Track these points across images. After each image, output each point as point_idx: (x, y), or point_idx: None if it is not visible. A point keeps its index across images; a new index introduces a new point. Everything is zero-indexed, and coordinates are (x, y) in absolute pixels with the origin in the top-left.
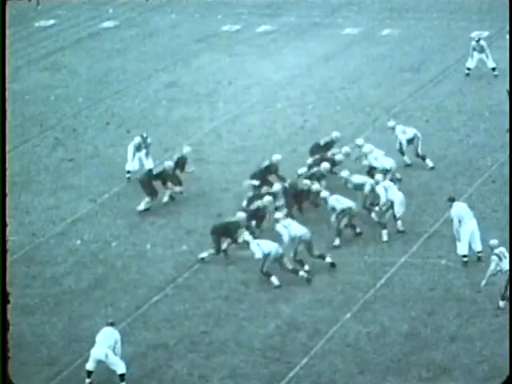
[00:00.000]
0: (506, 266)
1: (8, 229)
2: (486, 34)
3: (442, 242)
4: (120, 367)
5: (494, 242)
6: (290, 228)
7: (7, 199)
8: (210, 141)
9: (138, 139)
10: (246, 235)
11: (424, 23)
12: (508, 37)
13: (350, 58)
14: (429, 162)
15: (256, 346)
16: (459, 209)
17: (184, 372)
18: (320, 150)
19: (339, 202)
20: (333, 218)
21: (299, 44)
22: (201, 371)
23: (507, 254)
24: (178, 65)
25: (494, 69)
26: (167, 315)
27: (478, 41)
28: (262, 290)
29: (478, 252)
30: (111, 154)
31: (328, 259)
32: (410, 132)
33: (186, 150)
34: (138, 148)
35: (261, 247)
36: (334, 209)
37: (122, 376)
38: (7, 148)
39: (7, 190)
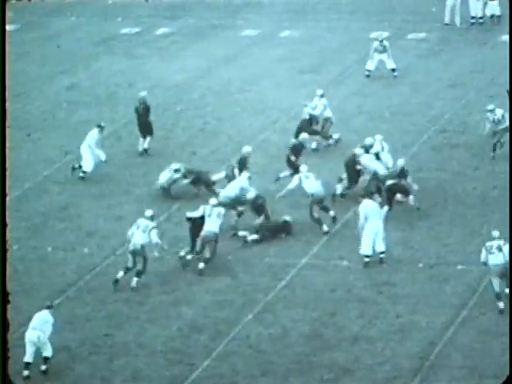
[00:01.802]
0: (491, 260)
1: None
2: (385, 34)
3: (342, 243)
4: (48, 350)
5: (495, 233)
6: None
7: None
8: (110, 143)
9: (95, 131)
10: None
11: (323, 24)
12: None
13: (250, 59)
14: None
15: (158, 348)
16: (367, 206)
17: (86, 374)
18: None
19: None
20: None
21: (199, 46)
22: (103, 373)
23: (496, 251)
24: (78, 67)
25: (393, 70)
26: (69, 318)
27: (381, 41)
28: (163, 293)
29: (381, 252)
30: (12, 157)
31: (201, 265)
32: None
33: (246, 150)
34: (97, 142)
35: None
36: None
37: (47, 359)
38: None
39: None
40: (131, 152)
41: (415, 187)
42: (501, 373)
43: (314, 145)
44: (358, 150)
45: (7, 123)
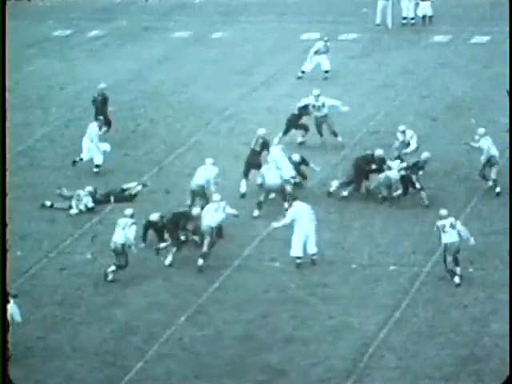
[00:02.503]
0: (445, 239)
1: None
2: (317, 35)
3: (274, 244)
4: None
5: (442, 211)
6: None
7: None
8: (42, 145)
9: (94, 125)
10: None
11: (255, 26)
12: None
13: (182, 61)
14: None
15: (92, 351)
16: (298, 208)
17: (20, 377)
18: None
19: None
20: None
21: (131, 48)
22: (37, 376)
23: (450, 229)
24: (10, 70)
25: (327, 71)
26: None
27: (326, 41)
28: (96, 295)
29: (312, 255)
30: None
31: (200, 261)
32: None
33: (261, 132)
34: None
35: None
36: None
37: None
38: None
39: None
40: (63, 154)
41: (417, 185)
42: (434, 373)
43: (300, 139)
44: (275, 150)
45: None
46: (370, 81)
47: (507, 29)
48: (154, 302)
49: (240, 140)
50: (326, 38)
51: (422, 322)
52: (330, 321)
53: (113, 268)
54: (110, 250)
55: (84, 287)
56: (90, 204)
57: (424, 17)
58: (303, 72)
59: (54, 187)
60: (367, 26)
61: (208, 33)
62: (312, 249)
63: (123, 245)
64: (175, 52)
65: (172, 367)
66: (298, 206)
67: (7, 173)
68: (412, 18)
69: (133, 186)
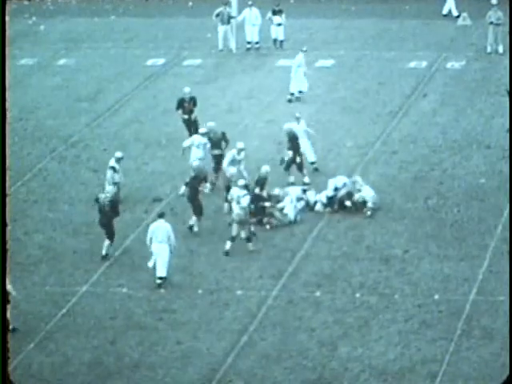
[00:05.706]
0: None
1: None
2: (161, 61)
3: (122, 270)
4: None
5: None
6: None
7: None
8: None
9: (202, 139)
10: None
11: (100, 52)
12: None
13: (27, 88)
14: None
15: None
16: (155, 227)
17: None
18: None
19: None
20: None
21: None
22: None
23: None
24: None
25: (301, 91)
26: None
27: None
28: None
29: (159, 278)
30: None
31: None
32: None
33: (265, 169)
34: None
35: None
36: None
37: None
38: None
39: None
40: None
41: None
42: None
43: None
44: None
45: None
46: (214, 106)
47: (352, 52)
48: None
49: (86, 166)
50: (304, 48)
51: (269, 346)
52: (177, 346)
53: (248, 242)
54: (235, 222)
55: None
56: None
57: (275, 40)
58: (292, 94)
59: None
60: (211, 52)
61: (53, 60)
62: (160, 271)
63: (243, 214)
64: (20, 79)
65: None
66: (156, 224)
67: None
68: (256, 43)
69: None
